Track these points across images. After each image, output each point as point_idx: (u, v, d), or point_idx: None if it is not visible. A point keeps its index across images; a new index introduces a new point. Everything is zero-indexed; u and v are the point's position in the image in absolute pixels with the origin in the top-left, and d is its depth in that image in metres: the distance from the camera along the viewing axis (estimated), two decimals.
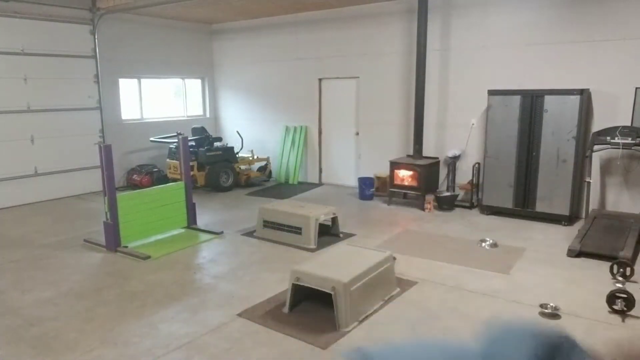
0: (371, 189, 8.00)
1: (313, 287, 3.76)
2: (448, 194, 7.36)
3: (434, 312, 3.93)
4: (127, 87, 9.19)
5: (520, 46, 6.85)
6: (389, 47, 8.10)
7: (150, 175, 8.86)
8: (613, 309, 3.83)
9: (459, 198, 7.45)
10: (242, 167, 9.34)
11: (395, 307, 4.02)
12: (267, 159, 9.63)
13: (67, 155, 8.26)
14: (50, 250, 5.59)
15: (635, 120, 6.09)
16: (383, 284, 4.11)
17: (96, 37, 8.43)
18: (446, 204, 7.20)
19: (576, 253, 5.12)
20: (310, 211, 5.74)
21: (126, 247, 5.52)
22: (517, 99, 6.44)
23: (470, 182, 7.28)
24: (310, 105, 9.25)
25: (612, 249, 5.02)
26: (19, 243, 5.87)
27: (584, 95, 6.11)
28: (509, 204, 6.70)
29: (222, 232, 6.12)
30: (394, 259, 4.44)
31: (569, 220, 6.30)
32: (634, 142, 5.79)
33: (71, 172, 8.34)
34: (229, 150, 9.08)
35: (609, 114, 6.30)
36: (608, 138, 5.96)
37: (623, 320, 3.74)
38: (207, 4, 8.00)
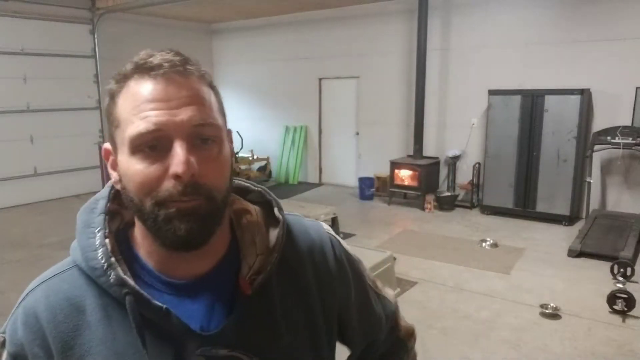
0: (371, 189, 7.99)
1: None
2: (448, 194, 7.35)
3: (434, 312, 3.92)
4: None
5: (520, 46, 6.85)
6: (389, 47, 8.09)
7: None
8: (613, 309, 3.83)
9: (459, 198, 7.44)
10: (242, 167, 9.33)
11: None
12: (267, 159, 9.62)
13: (66, 155, 8.24)
14: (50, 250, 5.58)
15: (636, 120, 6.08)
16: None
17: (96, 36, 8.42)
18: (446, 204, 7.19)
19: (577, 253, 5.12)
20: (310, 211, 5.73)
21: None
22: (517, 98, 6.43)
23: (471, 182, 7.28)
24: (310, 105, 9.24)
25: (613, 249, 5.01)
26: (19, 243, 5.86)
27: (585, 95, 6.10)
28: (509, 204, 6.69)
29: None
30: (394, 259, 4.43)
31: (569, 220, 6.29)
32: (634, 142, 5.78)
33: (71, 172, 8.33)
34: None
35: (610, 113, 6.29)
36: (609, 138, 5.95)
37: (624, 321, 3.74)
38: (207, 3, 7.99)
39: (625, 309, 3.78)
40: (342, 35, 8.56)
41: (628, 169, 6.33)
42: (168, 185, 0.64)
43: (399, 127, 8.20)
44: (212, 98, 0.70)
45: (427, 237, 5.93)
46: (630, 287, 4.02)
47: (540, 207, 6.44)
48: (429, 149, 7.76)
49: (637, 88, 6.06)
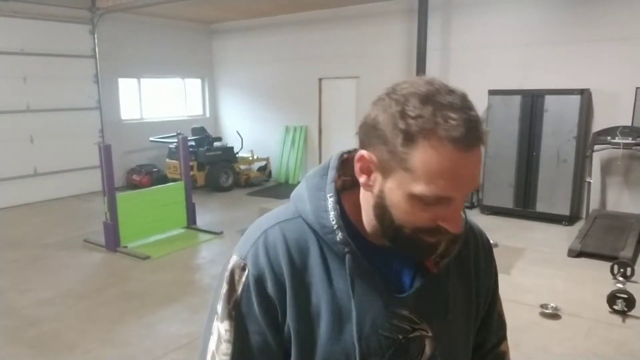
0: None
1: None
2: None
3: None
4: (126, 87, 9.18)
5: (520, 46, 6.85)
6: (389, 47, 8.10)
7: (150, 175, 8.85)
8: (614, 309, 3.83)
9: None
10: (242, 167, 9.33)
11: None
12: (267, 159, 9.62)
13: (66, 155, 8.24)
14: (49, 250, 5.58)
15: (636, 120, 6.08)
16: None
17: (96, 36, 8.42)
18: None
19: (577, 253, 5.12)
20: None
21: (126, 247, 5.51)
22: (517, 98, 6.43)
23: None
24: (310, 105, 9.24)
25: (613, 249, 5.01)
26: (19, 243, 5.86)
27: (585, 95, 6.10)
28: (509, 203, 6.69)
29: (221, 232, 6.11)
30: None
31: (569, 220, 6.30)
32: (634, 142, 5.79)
33: (71, 172, 8.33)
34: (229, 150, 9.06)
35: (610, 113, 6.29)
36: (608, 138, 5.96)
37: (624, 321, 3.74)
38: (206, 3, 7.99)
39: (625, 309, 3.78)
40: (342, 35, 8.56)
41: (628, 169, 6.33)
42: (437, 230, 0.76)
43: None
44: None
45: None
46: (630, 287, 4.02)
47: (540, 207, 6.44)
48: None
49: (636, 88, 6.06)
